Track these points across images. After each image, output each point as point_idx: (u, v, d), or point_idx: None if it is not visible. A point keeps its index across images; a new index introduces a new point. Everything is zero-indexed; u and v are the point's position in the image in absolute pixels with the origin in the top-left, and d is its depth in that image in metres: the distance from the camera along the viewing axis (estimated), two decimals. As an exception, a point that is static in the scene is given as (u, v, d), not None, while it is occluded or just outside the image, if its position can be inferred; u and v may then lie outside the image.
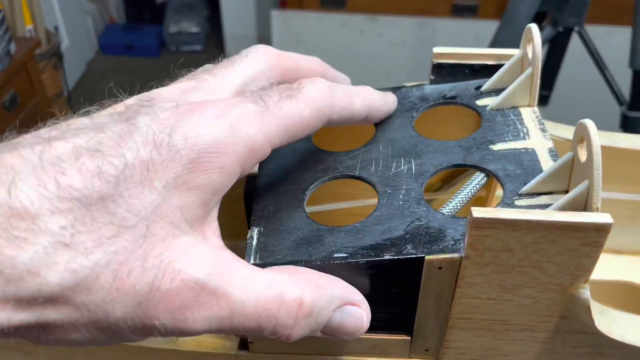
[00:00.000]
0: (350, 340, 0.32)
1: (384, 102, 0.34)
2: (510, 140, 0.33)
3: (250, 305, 0.23)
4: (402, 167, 0.33)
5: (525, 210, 0.26)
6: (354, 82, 0.35)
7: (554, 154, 0.32)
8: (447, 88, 0.38)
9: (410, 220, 0.30)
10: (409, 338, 0.32)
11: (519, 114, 0.35)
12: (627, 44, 0.95)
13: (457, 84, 0.38)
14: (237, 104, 0.24)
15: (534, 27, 0.33)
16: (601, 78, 0.99)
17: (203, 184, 0.22)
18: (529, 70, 0.34)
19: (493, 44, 0.94)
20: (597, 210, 0.26)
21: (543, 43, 0.98)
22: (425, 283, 0.29)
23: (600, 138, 0.37)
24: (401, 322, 0.31)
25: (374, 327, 0.31)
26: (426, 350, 0.32)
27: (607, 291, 0.48)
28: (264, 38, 2.26)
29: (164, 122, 0.22)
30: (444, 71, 0.38)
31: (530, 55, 0.34)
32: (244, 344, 0.33)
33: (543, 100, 1.05)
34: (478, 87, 0.37)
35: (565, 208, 0.27)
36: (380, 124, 0.36)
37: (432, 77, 0.38)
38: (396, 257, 0.28)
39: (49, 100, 1.80)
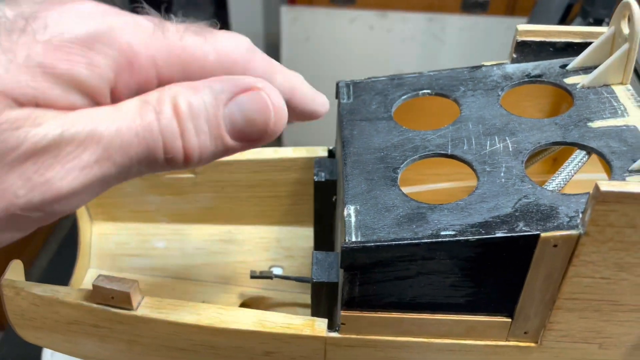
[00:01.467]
0: (445, 323, 0.31)
1: (310, 91, 0.27)
2: (609, 118, 0.32)
3: (126, 130, 0.20)
4: (498, 145, 0.32)
5: (654, 183, 0.25)
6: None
7: (657, 130, 0.31)
8: (530, 67, 0.37)
9: (518, 198, 0.29)
10: (509, 320, 0.31)
11: (613, 92, 0.34)
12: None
13: (540, 63, 0.37)
14: (122, 13, 0.22)
15: (632, 2, 0.33)
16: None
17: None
18: (625, 47, 0.33)
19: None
20: None
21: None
22: (536, 261, 0.28)
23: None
24: (503, 303, 0.30)
25: (473, 309, 0.31)
26: (525, 332, 0.31)
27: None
28: (272, 34, 2.25)
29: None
30: (527, 49, 0.37)
31: (625, 31, 0.33)
32: (333, 325, 0.32)
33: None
34: (563, 66, 0.37)
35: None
36: (465, 103, 0.35)
37: (514, 56, 0.37)
38: (509, 235, 0.27)
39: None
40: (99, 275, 0.33)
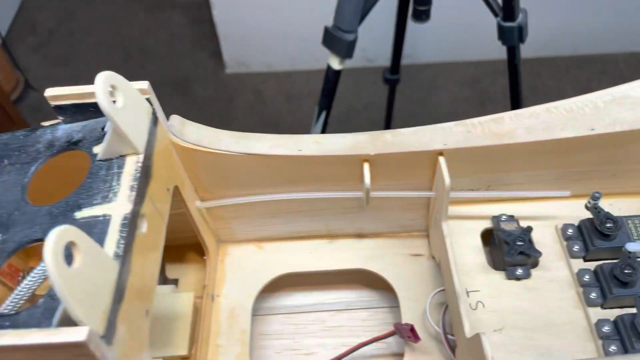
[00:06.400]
0: None
1: None
2: (97, 204, 0.31)
3: None
4: (-10, 244, 0.31)
5: None
6: None
7: (125, 222, 0.30)
8: (77, 128, 0.35)
9: None
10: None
11: (122, 166, 0.32)
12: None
13: (88, 123, 0.35)
14: None
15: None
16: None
17: None
18: (109, 123, 0.31)
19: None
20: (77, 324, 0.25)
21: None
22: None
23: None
24: None
25: None
26: None
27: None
28: None
29: None
30: (69, 112, 0.35)
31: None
32: None
33: (424, 15, 0.98)
34: (103, 127, 0.35)
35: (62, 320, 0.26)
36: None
37: (61, 119, 0.35)
38: None
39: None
40: None
